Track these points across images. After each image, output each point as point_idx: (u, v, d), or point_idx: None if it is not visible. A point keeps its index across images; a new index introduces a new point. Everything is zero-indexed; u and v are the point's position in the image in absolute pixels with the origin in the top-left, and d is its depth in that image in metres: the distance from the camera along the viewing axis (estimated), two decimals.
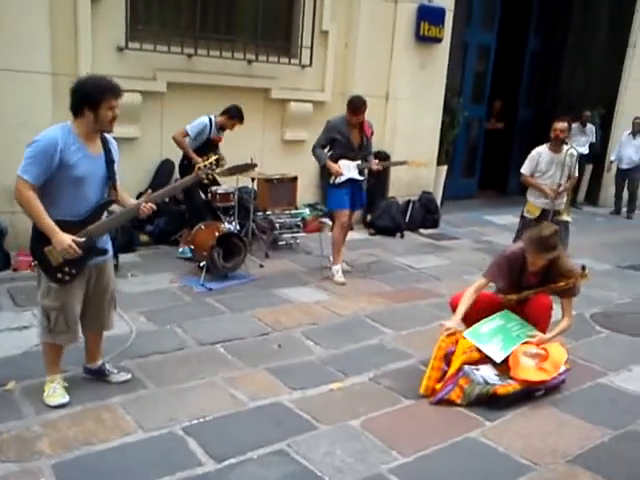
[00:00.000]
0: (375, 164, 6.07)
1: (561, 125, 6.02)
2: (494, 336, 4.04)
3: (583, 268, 4.09)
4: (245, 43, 7.17)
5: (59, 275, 3.25)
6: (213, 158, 3.75)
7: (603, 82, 11.02)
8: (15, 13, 5.62)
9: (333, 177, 5.79)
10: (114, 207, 3.54)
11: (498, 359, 3.93)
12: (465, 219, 9.31)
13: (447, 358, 3.91)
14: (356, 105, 5.73)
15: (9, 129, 5.64)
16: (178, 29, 6.74)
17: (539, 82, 11.55)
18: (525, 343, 4.02)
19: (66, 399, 3.44)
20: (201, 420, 3.40)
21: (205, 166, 3.74)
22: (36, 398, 3.44)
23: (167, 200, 6.51)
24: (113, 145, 3.43)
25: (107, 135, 3.37)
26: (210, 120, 6.23)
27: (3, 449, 2.99)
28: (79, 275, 3.33)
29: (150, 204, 3.43)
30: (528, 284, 4.19)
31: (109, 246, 3.54)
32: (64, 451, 3.01)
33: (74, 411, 3.39)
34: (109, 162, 3.34)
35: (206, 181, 3.98)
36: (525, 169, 6.21)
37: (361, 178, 5.94)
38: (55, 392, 3.45)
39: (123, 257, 5.88)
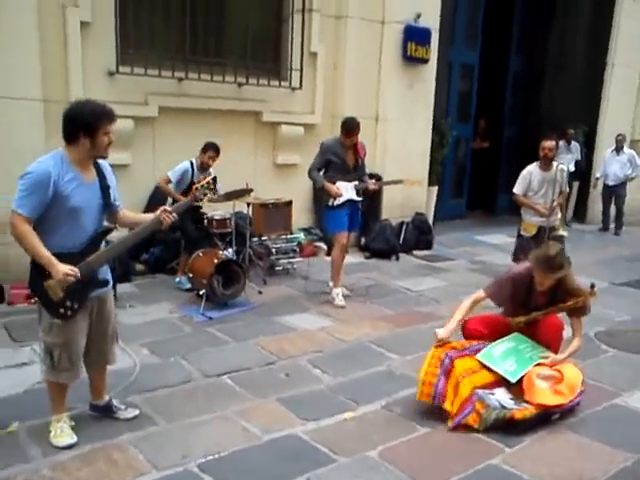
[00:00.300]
0: (372, 184, 6.06)
1: (549, 144, 6.05)
2: (507, 358, 3.99)
3: (592, 286, 4.07)
4: (235, 66, 7.17)
5: (61, 310, 3.14)
6: (210, 178, 3.68)
7: (584, 100, 11.19)
8: (4, 39, 5.54)
9: (332, 199, 5.75)
10: (112, 236, 3.44)
11: (512, 379, 3.88)
12: (457, 239, 9.32)
13: (444, 366, 3.85)
14: (350, 127, 5.72)
15: (0, 158, 5.51)
16: (169, 52, 6.71)
17: (522, 101, 11.70)
18: (538, 365, 3.98)
19: (74, 439, 3.31)
20: (216, 456, 3.29)
21: (202, 186, 3.62)
22: (42, 439, 3.31)
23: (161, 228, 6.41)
24: (107, 170, 3.34)
25: (100, 160, 3.27)
26: (192, 163, 6.20)
27: None
28: (81, 309, 3.22)
29: (173, 213, 3.32)
30: (536, 305, 4.15)
31: (109, 277, 3.43)
32: None
33: (83, 451, 3.26)
34: (104, 188, 3.24)
35: (202, 201, 3.88)
36: (517, 189, 6.22)
37: (359, 199, 5.94)
38: (62, 432, 3.32)
39: (120, 287, 5.74)
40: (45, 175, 2.99)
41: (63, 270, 3.02)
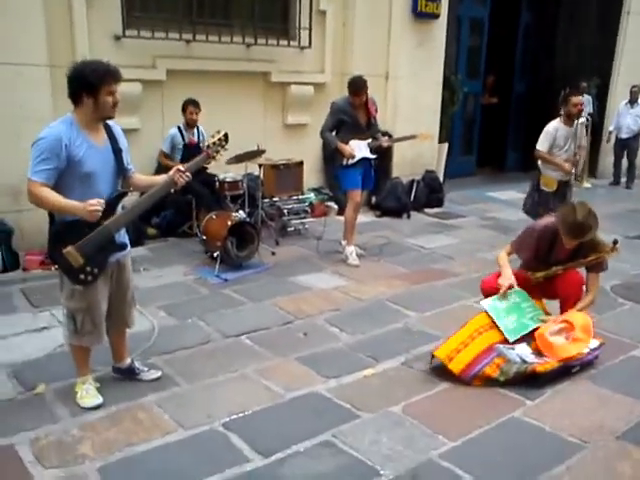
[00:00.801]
0: (385, 141, 5.99)
1: (579, 99, 5.94)
2: (510, 313, 3.99)
3: (615, 242, 4.03)
4: (243, 27, 7.03)
5: (82, 276, 3.12)
6: (222, 134, 3.50)
7: (597, 52, 10.95)
8: (9, 6, 5.43)
9: (346, 159, 5.69)
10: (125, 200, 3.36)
11: (510, 339, 3.89)
12: (468, 197, 9.25)
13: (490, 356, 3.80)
14: (357, 86, 5.63)
15: (10, 125, 5.47)
16: (175, 14, 6.58)
17: (533, 56, 11.46)
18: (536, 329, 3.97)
19: (100, 400, 3.34)
20: (240, 415, 3.32)
21: (214, 143, 3.48)
22: (69, 400, 3.35)
23: (173, 191, 6.40)
24: (118, 132, 3.26)
25: (110, 122, 3.20)
26: (179, 128, 6.42)
27: (45, 455, 2.91)
28: (102, 273, 3.20)
29: (187, 173, 3.24)
30: (557, 260, 4.12)
31: (127, 240, 3.39)
32: (107, 454, 2.93)
33: (110, 412, 3.30)
34: (117, 151, 3.18)
35: (214, 158, 3.63)
36: (542, 145, 6.07)
37: (373, 156, 5.87)
38: (88, 393, 3.36)
39: (134, 251, 5.65)
40: (57, 140, 2.94)
41: (88, 208, 2.95)
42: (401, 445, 3.09)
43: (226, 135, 3.54)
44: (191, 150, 6.20)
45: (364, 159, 5.78)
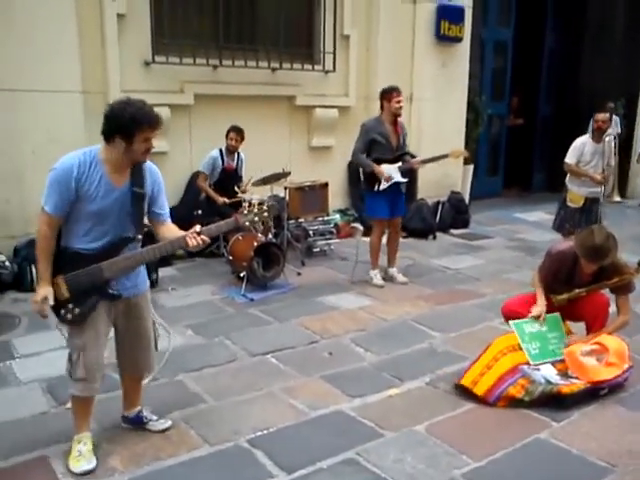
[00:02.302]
0: (416, 163, 5.98)
1: (603, 116, 6.03)
2: (533, 340, 3.98)
3: (639, 264, 4.00)
4: (268, 51, 7.19)
5: (62, 311, 2.88)
6: (265, 205, 3.09)
7: (623, 73, 10.91)
8: (44, 34, 5.65)
9: (377, 184, 5.70)
10: None
11: (532, 362, 3.88)
12: (494, 218, 9.23)
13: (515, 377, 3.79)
14: (390, 88, 5.70)
15: (44, 152, 5.61)
16: (203, 40, 6.76)
17: (558, 77, 11.45)
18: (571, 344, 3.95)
19: (92, 464, 2.97)
20: (265, 432, 3.35)
21: (250, 211, 3.07)
22: (99, 414, 3.34)
23: (200, 212, 6.54)
24: (152, 173, 3.01)
25: (148, 164, 2.99)
26: (220, 151, 6.49)
27: None
28: (85, 317, 2.89)
29: (202, 236, 2.91)
30: (580, 282, 4.08)
31: (140, 280, 3.10)
32: (135, 467, 2.99)
33: (138, 426, 3.35)
34: (136, 195, 2.91)
35: (253, 229, 3.28)
36: (570, 158, 6.15)
37: (404, 180, 5.84)
38: (81, 454, 2.99)
39: (162, 271, 5.87)
40: (67, 173, 2.79)
41: (41, 294, 2.81)
42: (424, 464, 3.09)
43: (269, 208, 3.16)
44: (228, 175, 6.42)
45: (393, 184, 5.76)
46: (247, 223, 3.00)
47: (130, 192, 2.90)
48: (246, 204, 2.99)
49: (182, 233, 3.01)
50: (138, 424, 3.34)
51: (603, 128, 6.02)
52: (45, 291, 2.82)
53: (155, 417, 3.37)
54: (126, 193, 2.90)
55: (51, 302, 2.83)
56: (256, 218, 3.05)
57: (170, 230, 3.08)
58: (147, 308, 3.17)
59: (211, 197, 6.41)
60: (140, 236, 2.99)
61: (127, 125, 2.77)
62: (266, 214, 3.05)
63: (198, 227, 2.94)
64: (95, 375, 2.99)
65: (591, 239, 3.82)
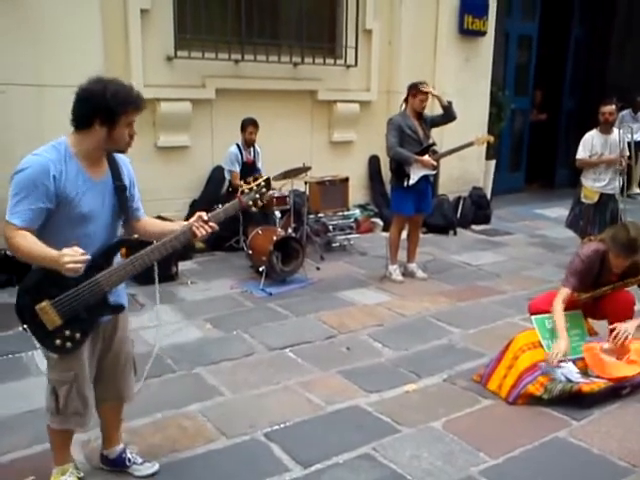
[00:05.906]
0: (445, 153, 6.05)
1: (609, 108, 5.97)
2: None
3: None
4: (290, 46, 7.18)
5: (58, 342, 2.43)
6: (261, 180, 2.85)
7: None
8: (68, 30, 5.70)
9: (406, 178, 5.67)
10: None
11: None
12: (516, 214, 9.13)
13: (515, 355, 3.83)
14: (417, 82, 5.71)
15: None
16: (225, 36, 6.76)
17: (584, 71, 11.27)
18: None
19: None
20: (282, 426, 3.37)
21: (251, 189, 2.81)
22: None
23: (220, 206, 6.55)
24: (123, 163, 2.62)
25: (117, 154, 2.57)
26: (237, 145, 6.50)
27: (94, 457, 3.01)
28: (86, 340, 2.52)
29: (211, 223, 2.59)
30: (607, 282, 4.02)
31: (124, 300, 2.72)
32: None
33: (156, 419, 3.39)
34: (118, 188, 2.54)
35: (254, 209, 3.30)
36: (581, 153, 6.07)
37: (433, 172, 5.83)
38: None
39: (181, 265, 5.92)
40: (43, 171, 2.31)
41: (61, 260, 2.22)
42: (441, 460, 3.08)
43: (268, 180, 2.93)
44: (249, 167, 6.43)
45: (421, 178, 5.71)
46: (250, 202, 2.79)
47: (113, 185, 2.53)
48: (245, 186, 2.87)
49: (176, 225, 2.70)
50: (120, 467, 2.93)
51: (610, 120, 5.97)
52: (66, 251, 2.25)
53: (140, 459, 2.95)
54: (107, 186, 2.52)
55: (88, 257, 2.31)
56: (257, 195, 2.80)
57: (154, 224, 2.77)
58: (127, 329, 2.81)
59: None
60: (136, 235, 2.69)
61: (110, 107, 2.35)
62: (265, 190, 2.83)
63: (204, 214, 2.59)
64: (89, 404, 2.62)
65: (625, 233, 3.76)
